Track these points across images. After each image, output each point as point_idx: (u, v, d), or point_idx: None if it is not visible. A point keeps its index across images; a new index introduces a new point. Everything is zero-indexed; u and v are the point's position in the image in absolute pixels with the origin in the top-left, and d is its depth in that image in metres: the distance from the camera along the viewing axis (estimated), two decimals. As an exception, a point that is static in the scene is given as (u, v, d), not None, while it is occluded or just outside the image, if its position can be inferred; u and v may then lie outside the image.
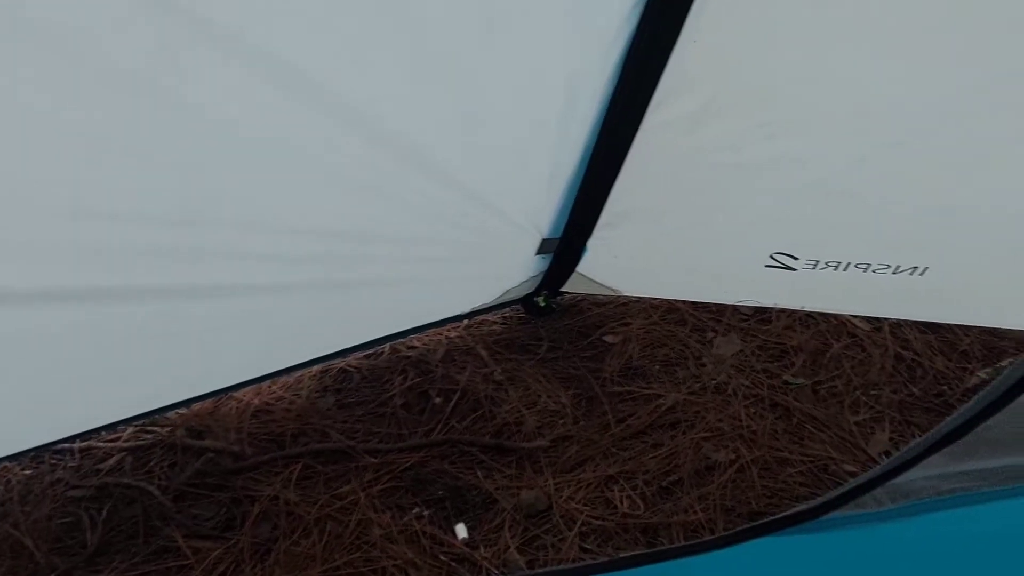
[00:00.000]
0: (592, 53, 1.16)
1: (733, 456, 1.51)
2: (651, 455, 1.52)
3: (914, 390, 1.71)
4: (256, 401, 1.78)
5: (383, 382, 1.83)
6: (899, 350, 1.82)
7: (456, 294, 1.87)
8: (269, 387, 1.82)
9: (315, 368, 1.86)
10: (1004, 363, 1.79)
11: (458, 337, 1.97)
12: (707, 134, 1.32)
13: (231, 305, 1.32)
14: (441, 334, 1.98)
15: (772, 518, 0.99)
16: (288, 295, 1.36)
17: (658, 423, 1.62)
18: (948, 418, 0.84)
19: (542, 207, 1.58)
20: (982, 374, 1.75)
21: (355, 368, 1.88)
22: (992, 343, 1.86)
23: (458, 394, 1.77)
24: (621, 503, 1.44)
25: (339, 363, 1.88)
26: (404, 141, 1.14)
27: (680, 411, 1.64)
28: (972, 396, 1.69)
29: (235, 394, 1.77)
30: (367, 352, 1.91)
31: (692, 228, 1.63)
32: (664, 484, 1.48)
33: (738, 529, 1.01)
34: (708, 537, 1.06)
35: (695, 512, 1.41)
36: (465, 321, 2.02)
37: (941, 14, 1.08)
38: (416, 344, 1.95)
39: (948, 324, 1.90)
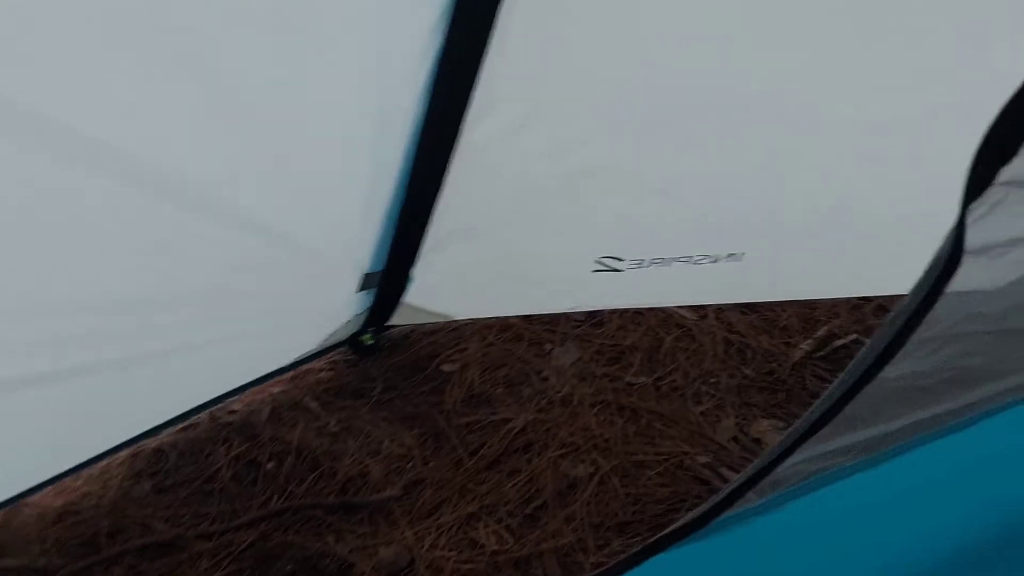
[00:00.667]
0: (398, 74, 1.09)
1: (592, 469, 1.47)
2: (510, 484, 1.46)
3: (747, 372, 1.76)
4: (58, 503, 1.54)
5: (205, 456, 1.65)
6: (726, 334, 1.87)
7: (275, 346, 1.73)
8: (71, 484, 1.59)
9: (123, 453, 1.65)
10: (821, 332, 1.88)
11: (283, 392, 1.82)
12: (524, 147, 1.28)
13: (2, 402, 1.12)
14: (264, 391, 1.82)
15: (663, 533, 0.95)
16: (73, 381, 1.17)
17: (511, 448, 1.56)
18: (814, 404, 0.83)
19: (360, 239, 1.48)
20: (804, 346, 1.83)
21: (170, 445, 1.68)
22: (807, 315, 1.96)
23: (292, 455, 1.62)
24: (488, 540, 1.36)
25: (151, 443, 1.68)
26: (189, 185, 1.00)
27: (531, 432, 1.59)
28: (800, 370, 1.76)
29: (29, 500, 1.53)
30: (182, 425, 1.72)
31: (518, 242, 1.59)
32: (528, 512, 1.42)
33: (632, 553, 0.97)
34: (601, 569, 1.01)
35: (564, 535, 1.36)
36: (289, 373, 1.87)
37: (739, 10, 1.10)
38: (237, 407, 1.78)
39: (766, 303, 1.97)
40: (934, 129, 1.35)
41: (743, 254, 1.69)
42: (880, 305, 1.99)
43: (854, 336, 1.87)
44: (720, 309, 1.97)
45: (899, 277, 1.98)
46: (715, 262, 1.71)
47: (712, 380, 1.73)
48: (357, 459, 1.60)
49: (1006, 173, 0.59)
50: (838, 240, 1.71)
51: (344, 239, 1.45)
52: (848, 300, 2.01)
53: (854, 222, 1.67)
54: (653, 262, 1.69)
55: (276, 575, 1.39)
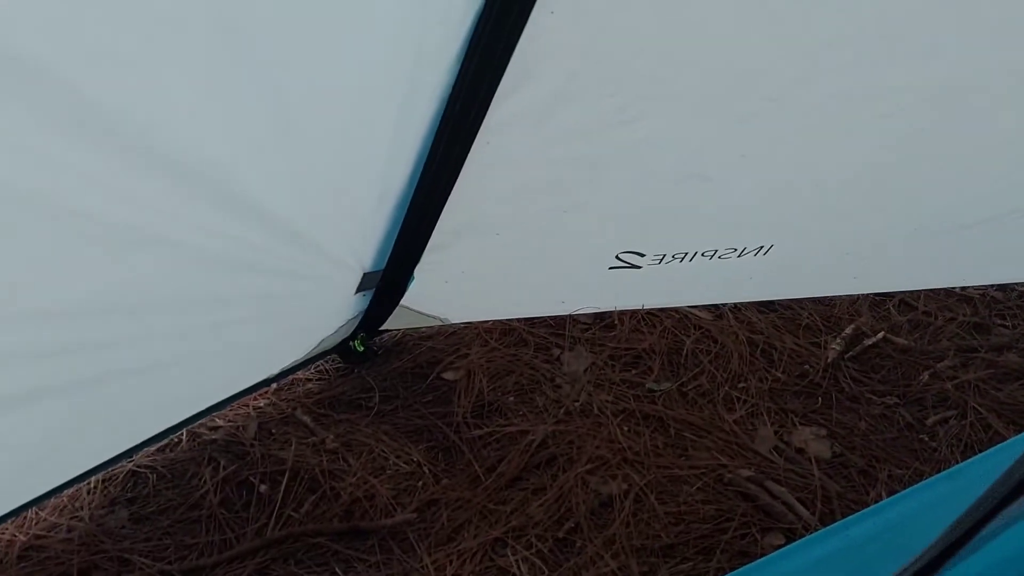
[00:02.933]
0: (432, 43, 0.95)
1: (625, 486, 1.35)
2: (536, 503, 1.33)
3: (778, 374, 1.65)
4: (21, 537, 1.37)
5: (189, 478, 1.49)
6: (749, 335, 1.76)
7: (262, 356, 1.57)
8: (35, 515, 1.41)
9: (94, 479, 1.48)
10: (848, 331, 1.79)
11: (269, 405, 1.67)
12: (558, 124, 1.15)
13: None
14: (247, 405, 1.66)
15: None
16: (36, 402, 1.02)
17: (533, 463, 1.43)
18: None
19: (367, 235, 1.33)
20: (835, 346, 1.73)
21: (148, 468, 1.51)
22: (827, 313, 1.87)
23: (287, 475, 1.47)
24: (519, 569, 1.23)
25: (125, 466, 1.51)
26: (187, 162, 0.84)
27: (553, 445, 1.47)
28: (833, 371, 1.66)
29: (-13, 534, 1.36)
30: (159, 445, 1.56)
31: (535, 237, 1.46)
32: (560, 535, 1.29)
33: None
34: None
35: (605, 562, 1.23)
36: (273, 385, 1.72)
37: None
38: (219, 423, 1.62)
39: (783, 301, 1.88)
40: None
41: (772, 247, 1.59)
42: (903, 301, 1.91)
43: (882, 334, 1.78)
44: (737, 308, 1.87)
45: (926, 272, 1.89)
46: (740, 256, 1.60)
47: (741, 384, 1.62)
48: (361, 478, 1.45)
49: None
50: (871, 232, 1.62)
51: (351, 233, 1.31)
52: (867, 296, 1.92)
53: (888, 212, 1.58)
54: (675, 257, 1.58)
55: (278, 614, 1.24)
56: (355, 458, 1.50)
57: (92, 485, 1.47)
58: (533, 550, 1.26)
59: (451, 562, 1.26)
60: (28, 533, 1.37)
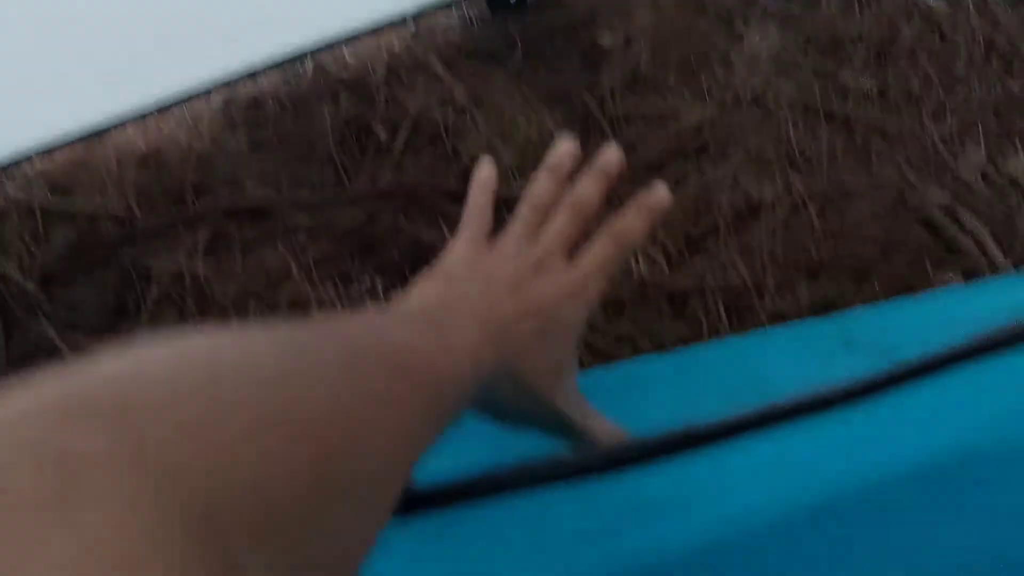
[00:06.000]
0: None
1: (782, 191, 1.16)
2: (674, 195, 1.17)
3: (1012, 87, 1.34)
4: (141, 144, 1.38)
5: (309, 114, 1.42)
6: (991, 33, 1.42)
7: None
8: (157, 125, 1.40)
9: (216, 99, 1.44)
10: None
11: (403, 48, 1.54)
12: None
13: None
14: (379, 46, 1.54)
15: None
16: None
17: (680, 151, 1.26)
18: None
19: None
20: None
21: (270, 95, 1.46)
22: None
23: (409, 125, 1.37)
24: (637, 264, 1.11)
25: (248, 90, 1.46)
26: None
27: (708, 133, 1.27)
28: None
29: (111, 134, 1.36)
30: (283, 73, 1.48)
31: None
32: (694, 235, 1.14)
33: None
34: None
35: (737, 270, 1.09)
36: (411, 27, 1.57)
37: None
38: (348, 59, 1.51)
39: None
40: None
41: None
42: None
43: None
44: (981, 0, 1.50)
45: None
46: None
47: (960, 92, 1.33)
48: (486, 139, 1.33)
49: None
50: None
51: None
52: None
53: None
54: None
55: (380, 262, 1.20)
56: (483, 117, 1.37)
57: (214, 106, 1.44)
58: (658, 246, 1.13)
59: (565, 242, 1.15)
60: (149, 141, 1.37)
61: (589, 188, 0.63)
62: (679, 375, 0.93)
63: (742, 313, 1.04)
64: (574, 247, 0.63)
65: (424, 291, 0.56)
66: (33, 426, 0.19)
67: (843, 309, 1.02)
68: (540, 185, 0.64)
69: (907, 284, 1.05)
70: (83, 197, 1.29)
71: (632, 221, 0.62)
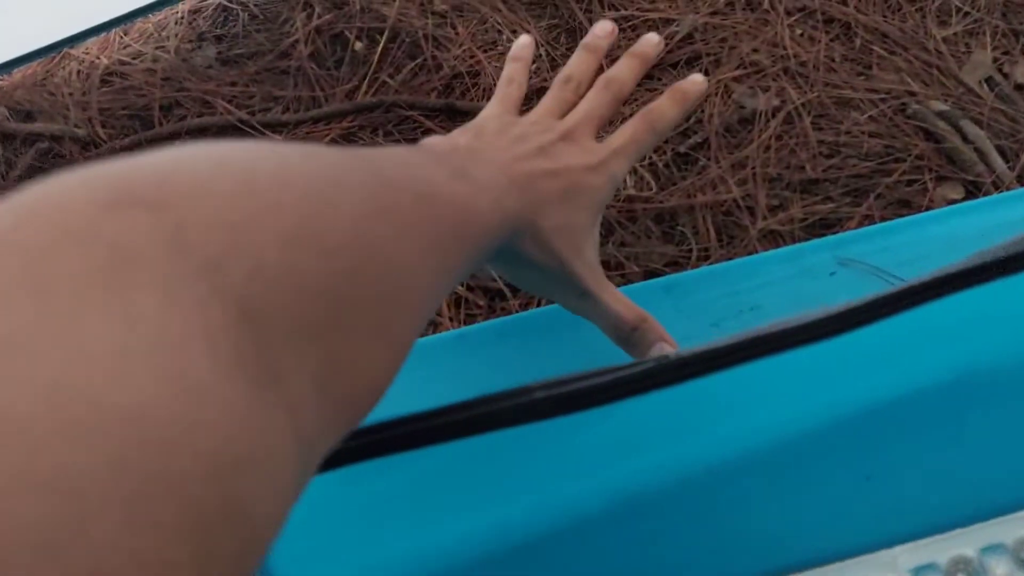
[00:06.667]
0: None
1: (777, 101, 1.11)
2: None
3: (1023, -13, 1.27)
4: (104, 60, 1.31)
5: (281, 23, 1.35)
6: (1000, -71, 1.34)
7: None
8: (120, 39, 1.34)
9: (182, 6, 1.36)
10: None
11: (381, -51, 1.45)
12: None
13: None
14: (357, -54, 1.45)
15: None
16: None
17: (671, 60, 1.20)
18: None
19: None
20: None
21: (239, 4, 1.38)
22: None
23: (387, 35, 1.31)
24: (624, 181, 1.07)
25: (215, -2, 1.38)
26: None
27: (699, 40, 1.21)
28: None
29: (71, 51, 1.30)
30: (254, -21, 1.40)
31: None
32: (682, 150, 1.09)
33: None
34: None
35: (727, 186, 1.05)
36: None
37: None
38: (322, -37, 1.43)
39: None
40: None
41: None
42: None
43: None
44: None
45: None
46: None
47: (968, -8, 1.26)
48: (468, 51, 1.27)
49: None
50: None
51: None
52: None
53: None
54: None
55: (357, 184, 1.16)
56: (464, 26, 1.31)
57: (180, 15, 1.36)
58: (645, 163, 1.09)
59: (550, 159, 1.10)
60: (111, 57, 1.31)
61: (625, 68, 0.63)
62: (666, 303, 0.90)
63: (732, 232, 1.00)
64: (604, 127, 0.62)
65: (452, 138, 0.57)
66: (81, 214, 0.20)
67: (838, 228, 0.99)
68: (575, 62, 0.65)
69: (904, 200, 1.01)
70: (45, 120, 1.23)
71: (667, 105, 0.63)
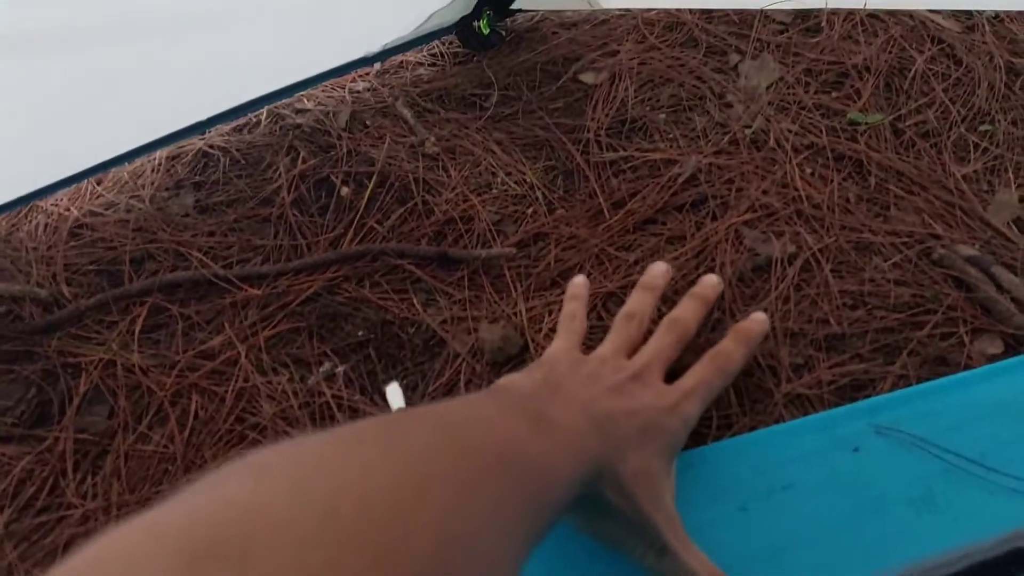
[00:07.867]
0: None
1: (793, 247, 1.04)
2: (669, 255, 1.05)
3: (1040, 119, 1.22)
4: (74, 212, 1.24)
5: (263, 168, 1.29)
6: (1009, 58, 1.31)
7: (358, 25, 1.29)
8: (92, 188, 1.27)
9: (161, 153, 1.31)
10: None
11: (368, 91, 1.41)
12: None
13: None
14: (342, 87, 1.41)
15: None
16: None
17: (674, 203, 1.13)
18: None
19: None
20: None
21: (220, 149, 1.33)
22: None
23: (375, 179, 1.25)
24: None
25: (196, 142, 1.33)
26: None
27: (706, 182, 1.15)
28: None
29: (40, 203, 1.23)
30: (236, 123, 1.35)
31: None
32: (695, 302, 1.01)
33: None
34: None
35: (746, 344, 0.96)
36: (376, 66, 1.45)
37: None
38: (307, 105, 1.39)
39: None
40: None
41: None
42: None
43: None
44: (999, 18, 1.39)
45: None
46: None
47: (984, 126, 1.21)
48: (460, 195, 1.21)
49: None
50: None
51: None
52: None
53: None
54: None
55: (342, 343, 1.07)
56: (457, 169, 1.25)
57: (157, 162, 1.31)
58: (657, 318, 1.00)
59: (549, 313, 1.02)
60: (83, 208, 1.24)
61: (688, 310, 0.66)
62: (687, 480, 0.80)
63: (755, 396, 0.91)
64: (670, 366, 0.63)
65: (523, 380, 0.56)
66: (162, 570, 0.20)
67: (870, 391, 0.90)
68: (635, 300, 0.67)
69: (941, 358, 0.92)
70: (5, 280, 1.15)
71: (732, 347, 0.63)
